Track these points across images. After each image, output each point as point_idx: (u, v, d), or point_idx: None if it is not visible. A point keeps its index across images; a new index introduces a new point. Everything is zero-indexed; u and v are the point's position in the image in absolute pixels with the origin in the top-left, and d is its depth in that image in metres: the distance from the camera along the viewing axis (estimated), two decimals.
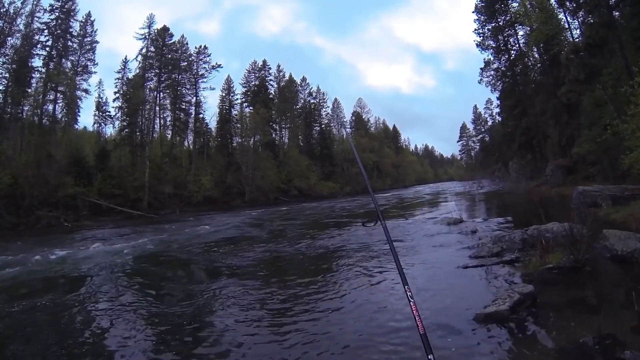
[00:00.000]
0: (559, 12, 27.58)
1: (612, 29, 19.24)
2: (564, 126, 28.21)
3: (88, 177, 33.03)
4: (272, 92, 60.84)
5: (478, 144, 74.48)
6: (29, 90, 32.15)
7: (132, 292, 7.29)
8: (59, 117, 35.53)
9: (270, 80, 60.87)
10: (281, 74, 62.57)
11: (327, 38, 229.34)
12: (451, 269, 7.13)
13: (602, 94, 18.63)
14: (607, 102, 18.04)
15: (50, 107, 34.28)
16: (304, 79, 66.87)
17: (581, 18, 24.50)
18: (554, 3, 27.62)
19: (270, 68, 61.07)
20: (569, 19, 27.05)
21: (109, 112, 42.37)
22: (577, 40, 25.51)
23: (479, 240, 9.13)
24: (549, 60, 29.70)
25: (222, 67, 49.18)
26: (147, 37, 43.52)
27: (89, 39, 37.52)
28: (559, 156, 29.08)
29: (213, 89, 53.17)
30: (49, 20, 34.44)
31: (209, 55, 48.57)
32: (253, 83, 58.63)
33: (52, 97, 34.03)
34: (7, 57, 30.29)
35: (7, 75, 30.59)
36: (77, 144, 35.14)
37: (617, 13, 20.01)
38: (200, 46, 48.57)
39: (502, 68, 36.91)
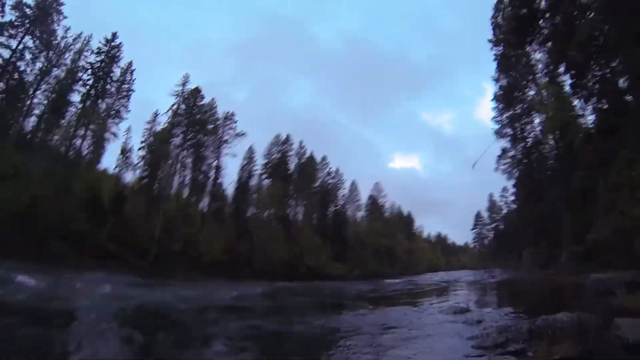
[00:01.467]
0: (573, 99, 28.09)
1: (623, 114, 19.59)
2: (579, 213, 27.53)
3: (101, 218, 32.69)
4: (292, 167, 61.35)
5: (492, 233, 73.59)
6: (62, 122, 33.51)
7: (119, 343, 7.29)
8: (85, 153, 36.51)
9: (291, 155, 61.89)
10: (302, 150, 63.72)
11: (351, 117, 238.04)
12: (451, 358, 6.90)
13: (617, 179, 18.30)
14: (622, 187, 17.60)
15: (79, 142, 35.33)
16: (324, 159, 68.03)
17: (593, 104, 24.96)
18: (568, 90, 28.38)
19: (292, 143, 62.39)
20: (583, 105, 27.42)
21: (132, 159, 42.98)
22: (590, 125, 26.05)
23: (483, 330, 8.78)
24: (565, 147, 29.99)
25: (246, 136, 50.61)
26: (179, 95, 45.31)
27: (126, 86, 39.40)
28: (573, 243, 27.82)
29: (235, 156, 52.76)
30: (94, 61, 36.73)
31: (235, 122, 50.30)
32: (274, 156, 59.51)
33: (82, 132, 35.14)
34: (49, 86, 31.76)
35: (45, 102, 31.74)
36: (96, 184, 34.91)
37: (629, 97, 20.46)
38: (228, 112, 50.44)
39: (518, 155, 37.47)
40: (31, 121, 32.83)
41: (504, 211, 62.37)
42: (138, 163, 42.46)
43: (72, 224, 28.13)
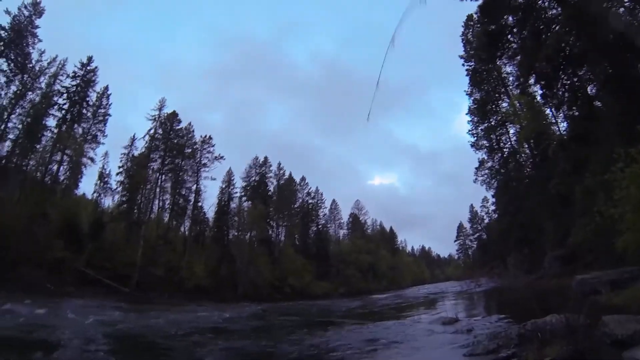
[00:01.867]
0: (545, 108, 28.93)
1: (594, 120, 20.22)
2: (558, 218, 28.22)
3: (79, 244, 32.04)
4: (271, 189, 61.57)
5: (475, 243, 74.37)
6: (38, 146, 32.96)
7: None
8: (62, 178, 35.80)
9: (270, 177, 62.20)
10: (281, 172, 63.92)
11: (327, 138, 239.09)
12: None
13: (591, 183, 18.86)
14: (596, 189, 18.10)
15: (55, 167, 34.63)
16: (303, 179, 68.39)
17: (565, 112, 25.80)
18: (539, 99, 29.34)
19: (271, 165, 62.71)
20: (555, 114, 28.49)
21: (110, 184, 42.12)
22: (563, 133, 26.87)
23: (474, 339, 8.81)
24: (540, 155, 30.86)
25: (224, 159, 50.05)
26: (156, 119, 44.99)
27: (102, 111, 39.11)
28: (556, 248, 28.46)
29: (214, 179, 51.69)
30: (69, 85, 36.36)
31: (212, 146, 49.89)
32: (253, 178, 59.66)
33: (58, 157, 34.46)
34: (23, 110, 31.29)
35: (20, 126, 31.17)
36: (74, 209, 34.35)
37: (598, 103, 21.18)
38: (205, 136, 50.14)
39: (496, 166, 38.53)
40: (6, 146, 32.02)
41: (486, 221, 63.56)
42: (116, 188, 41.80)
43: (49, 252, 27.44)
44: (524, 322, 7.64)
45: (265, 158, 62.27)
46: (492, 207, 47.35)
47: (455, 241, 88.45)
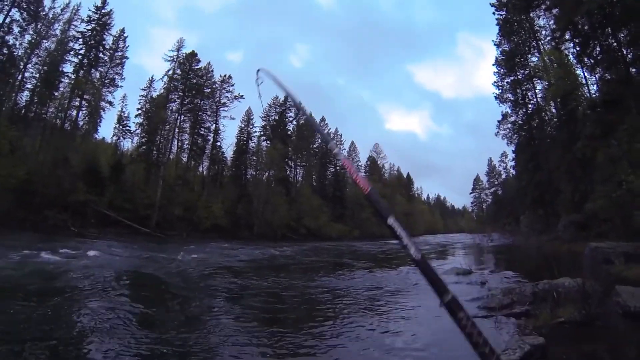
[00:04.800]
0: (577, 67, 27.92)
1: (628, 86, 19.30)
2: (577, 182, 27.75)
3: (100, 187, 32.96)
4: (291, 128, 61.20)
5: (490, 197, 73.89)
6: (56, 94, 33.25)
7: (124, 307, 6.97)
8: (81, 124, 36.43)
9: (290, 116, 61.23)
10: (301, 112, 62.74)
11: (349, 79, 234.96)
12: None
13: (617, 150, 18.25)
14: (622, 158, 17.69)
15: (74, 112, 35.09)
16: (322, 119, 67.44)
17: (598, 74, 24.71)
18: (572, 59, 28.05)
19: (291, 105, 61.41)
20: (586, 75, 27.28)
21: (129, 127, 42.75)
22: (594, 96, 25.62)
23: (488, 292, 8.88)
24: (566, 116, 29.55)
25: (243, 98, 49.64)
26: (175, 59, 44.57)
27: (119, 54, 38.73)
28: (571, 212, 28.14)
29: (233, 118, 52.11)
30: (84, 30, 35.91)
31: (232, 85, 49.47)
32: (273, 118, 59.01)
33: (77, 103, 34.91)
34: (40, 59, 31.52)
35: (37, 75, 31.52)
36: (94, 153, 35.22)
37: (633, 70, 20.20)
38: (225, 75, 49.58)
39: (519, 121, 37.10)
40: (24, 95, 32.67)
41: (503, 176, 63.01)
42: (135, 130, 42.43)
43: (72, 195, 28.44)
44: (536, 281, 7.85)
45: (286, 98, 60.29)
46: (511, 163, 46.22)
47: (470, 193, 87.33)
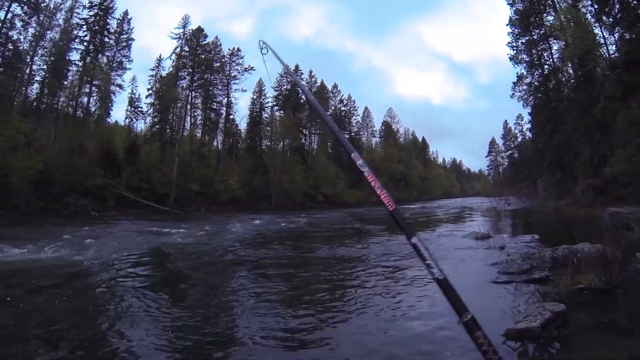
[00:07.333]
0: (595, 26, 26.94)
1: None
2: (596, 145, 27.11)
3: (117, 169, 33.49)
4: (303, 97, 60.26)
5: (507, 160, 72.41)
6: (65, 83, 33.72)
7: (153, 286, 7.34)
8: (93, 110, 36.67)
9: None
10: (313, 79, 62.72)
11: (360, 42, 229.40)
12: (480, 282, 6.92)
13: (637, 113, 17.60)
14: None
15: (85, 99, 35.42)
16: (335, 86, 67.05)
17: (618, 34, 23.81)
18: (590, 17, 27.00)
19: (302, 73, 61.23)
20: (605, 35, 26.33)
21: (141, 108, 42.98)
22: (613, 56, 24.67)
23: (507, 257, 8.88)
24: (583, 76, 28.63)
25: (254, 70, 49.02)
26: (181, 36, 44.12)
27: (125, 36, 38.65)
28: (589, 176, 27.65)
29: (245, 90, 51.97)
30: (87, 16, 35.78)
31: (241, 58, 48.95)
32: (285, 87, 58.33)
33: (87, 90, 35.22)
34: (45, 50, 31.63)
35: (44, 67, 31.71)
36: (108, 137, 35.66)
37: None
38: (234, 48, 49.00)
39: (535, 83, 36.16)
40: (34, 88, 32.88)
41: (519, 139, 61.43)
42: (147, 110, 42.66)
43: (90, 180, 28.93)
44: (555, 246, 7.89)
45: (297, 66, 60.55)
46: (527, 126, 45.05)
47: (486, 156, 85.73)
